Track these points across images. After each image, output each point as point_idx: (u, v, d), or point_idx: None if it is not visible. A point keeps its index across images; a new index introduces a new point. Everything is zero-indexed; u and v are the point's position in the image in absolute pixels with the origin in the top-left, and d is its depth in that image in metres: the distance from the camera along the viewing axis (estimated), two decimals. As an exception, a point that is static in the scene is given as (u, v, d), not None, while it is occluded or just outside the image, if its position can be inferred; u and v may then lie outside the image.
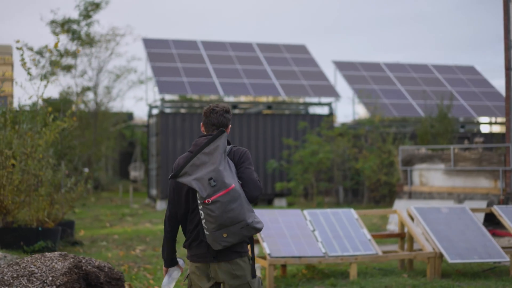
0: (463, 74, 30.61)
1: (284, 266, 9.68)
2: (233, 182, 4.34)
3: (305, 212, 10.03)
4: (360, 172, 23.97)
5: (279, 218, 9.78)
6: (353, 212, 10.18)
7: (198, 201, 4.38)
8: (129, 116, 39.29)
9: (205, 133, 4.75)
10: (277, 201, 25.08)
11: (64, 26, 33.79)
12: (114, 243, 13.84)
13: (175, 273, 4.85)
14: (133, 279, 9.33)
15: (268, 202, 25.54)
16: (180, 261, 4.87)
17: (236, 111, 26.33)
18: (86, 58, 34.59)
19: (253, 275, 4.62)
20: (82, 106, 34.92)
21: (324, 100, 27.04)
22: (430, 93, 28.05)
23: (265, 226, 9.50)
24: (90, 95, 35.17)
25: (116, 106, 41.56)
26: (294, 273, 9.84)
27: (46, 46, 30.06)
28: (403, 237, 10.48)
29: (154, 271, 10.14)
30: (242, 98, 27.15)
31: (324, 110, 28.36)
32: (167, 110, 24.93)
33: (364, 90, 26.86)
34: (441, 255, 9.55)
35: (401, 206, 17.84)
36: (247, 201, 4.40)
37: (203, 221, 4.37)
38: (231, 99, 26.77)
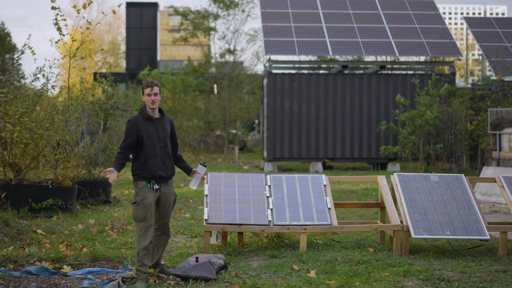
0: None
1: (241, 234, 9.09)
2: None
3: (268, 176, 9.34)
4: (474, 136, 22.13)
5: (236, 182, 9.18)
6: (323, 178, 9.31)
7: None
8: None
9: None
10: (391, 166, 23.88)
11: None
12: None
13: (201, 172, 7.62)
14: (93, 239, 9.31)
15: (381, 167, 24.39)
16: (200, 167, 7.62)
17: (348, 71, 25.25)
18: (223, 20, 34.94)
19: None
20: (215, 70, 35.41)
21: (447, 59, 25.22)
22: None
23: (217, 190, 8.96)
24: (228, 57, 35.56)
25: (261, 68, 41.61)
26: (253, 241, 9.23)
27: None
28: (382, 207, 9.44)
29: (127, 232, 10.00)
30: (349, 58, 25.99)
31: (444, 70, 26.39)
32: (275, 71, 24.45)
33: (494, 48, 24.60)
34: (408, 229, 8.49)
35: (489, 174, 16.24)
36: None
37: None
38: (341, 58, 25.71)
